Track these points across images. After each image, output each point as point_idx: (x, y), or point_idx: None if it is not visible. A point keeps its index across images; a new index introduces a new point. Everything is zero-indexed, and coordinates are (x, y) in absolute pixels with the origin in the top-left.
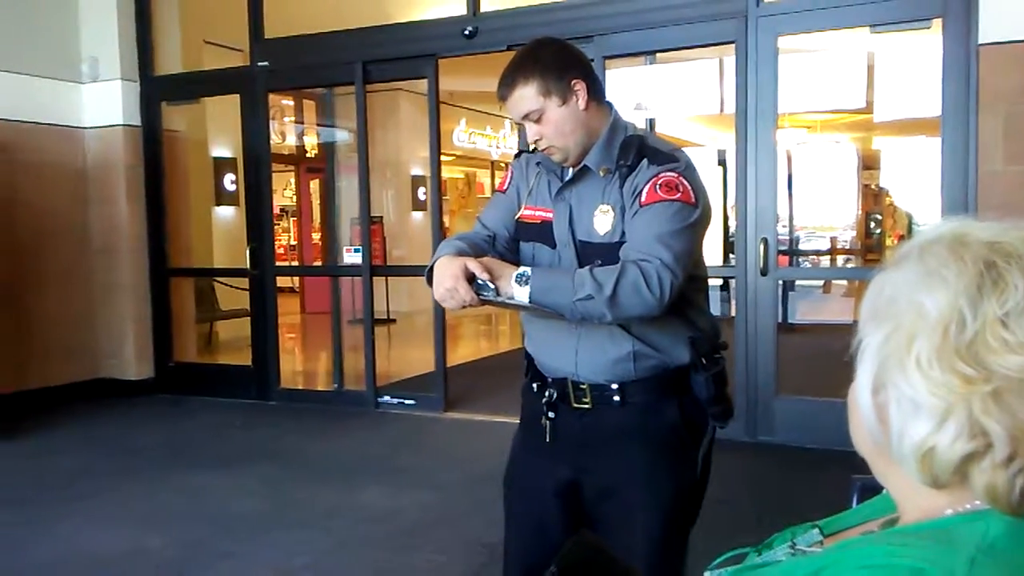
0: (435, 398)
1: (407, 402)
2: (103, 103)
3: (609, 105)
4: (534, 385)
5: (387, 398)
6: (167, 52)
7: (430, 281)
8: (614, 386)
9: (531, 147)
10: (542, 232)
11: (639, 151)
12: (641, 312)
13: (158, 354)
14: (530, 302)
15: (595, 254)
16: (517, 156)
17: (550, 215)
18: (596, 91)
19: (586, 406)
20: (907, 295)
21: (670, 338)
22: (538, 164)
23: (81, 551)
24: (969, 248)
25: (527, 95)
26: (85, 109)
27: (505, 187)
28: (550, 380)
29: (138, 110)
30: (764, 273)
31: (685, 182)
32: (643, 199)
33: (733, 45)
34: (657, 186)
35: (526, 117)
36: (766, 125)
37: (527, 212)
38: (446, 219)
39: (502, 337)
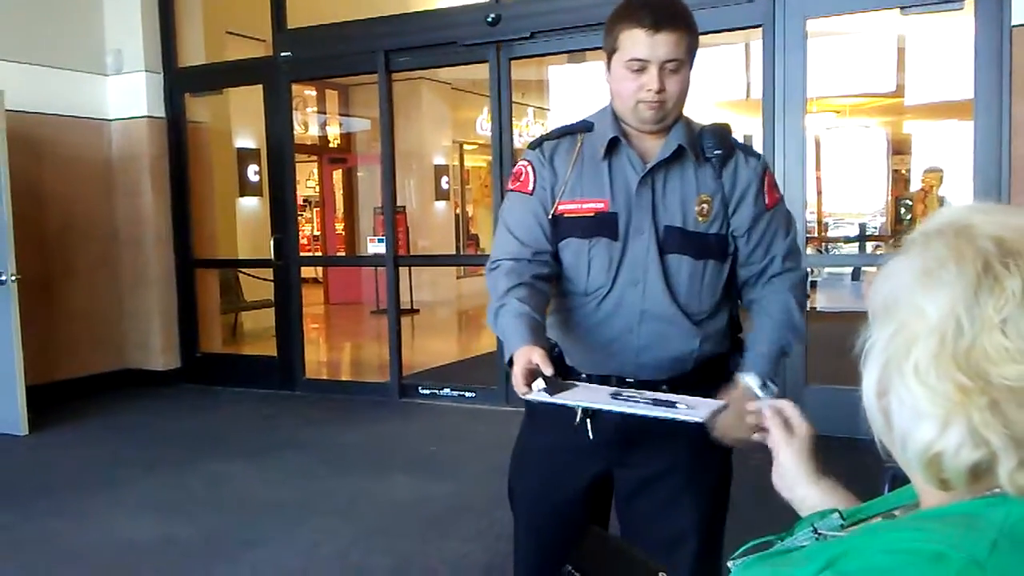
0: (497, 390)
1: (466, 395)
2: (127, 95)
3: None
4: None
5: (447, 391)
6: (190, 43)
7: (510, 363)
8: (665, 382)
9: (643, 99)
10: (600, 225)
11: (723, 139)
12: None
13: (184, 345)
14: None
15: (685, 243)
16: (535, 146)
17: (603, 205)
18: None
19: None
20: (907, 295)
21: (723, 329)
22: (572, 149)
23: (112, 539)
24: (972, 243)
25: (682, 43)
26: (110, 101)
27: (532, 187)
28: (584, 376)
29: (162, 102)
30: None
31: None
32: (767, 201)
33: (760, 29)
34: (769, 187)
35: (667, 62)
36: (794, 110)
37: (570, 206)
38: (469, 209)
39: None
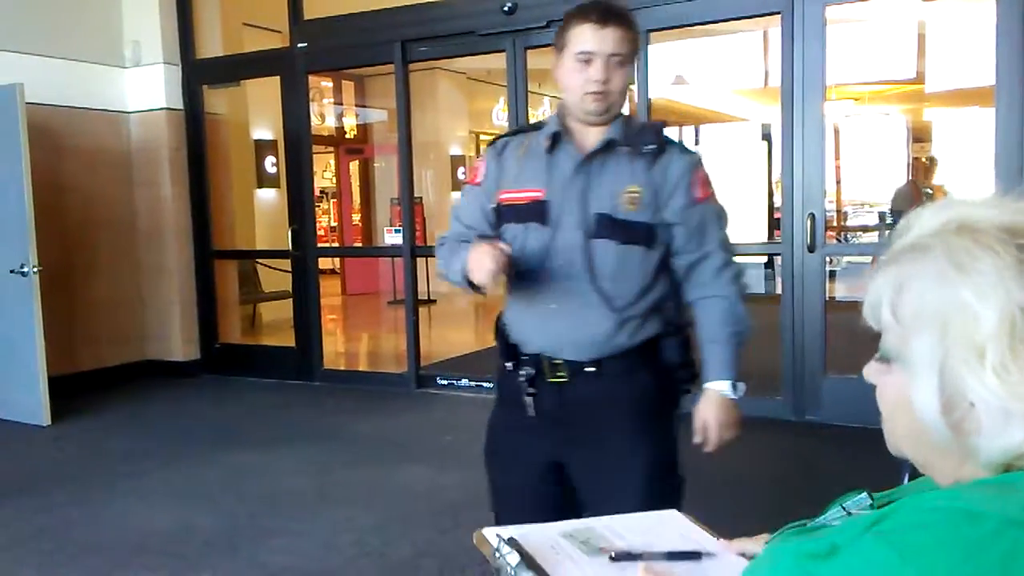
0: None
1: (484, 385)
2: (146, 87)
3: None
4: (508, 364)
5: (464, 381)
6: (207, 35)
7: (469, 284)
8: (591, 362)
9: (589, 90)
10: (532, 211)
11: (658, 135)
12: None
13: (204, 336)
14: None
15: (613, 229)
16: (492, 144)
17: (540, 193)
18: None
19: (563, 379)
20: (941, 293)
21: (649, 316)
22: (521, 145)
23: (133, 529)
24: (987, 234)
25: (626, 40)
26: (128, 93)
27: (479, 179)
28: (524, 357)
29: (180, 94)
30: (811, 249)
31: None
32: (698, 194)
33: (778, 16)
34: (701, 182)
35: (613, 55)
36: (813, 98)
37: (510, 195)
38: None
39: None
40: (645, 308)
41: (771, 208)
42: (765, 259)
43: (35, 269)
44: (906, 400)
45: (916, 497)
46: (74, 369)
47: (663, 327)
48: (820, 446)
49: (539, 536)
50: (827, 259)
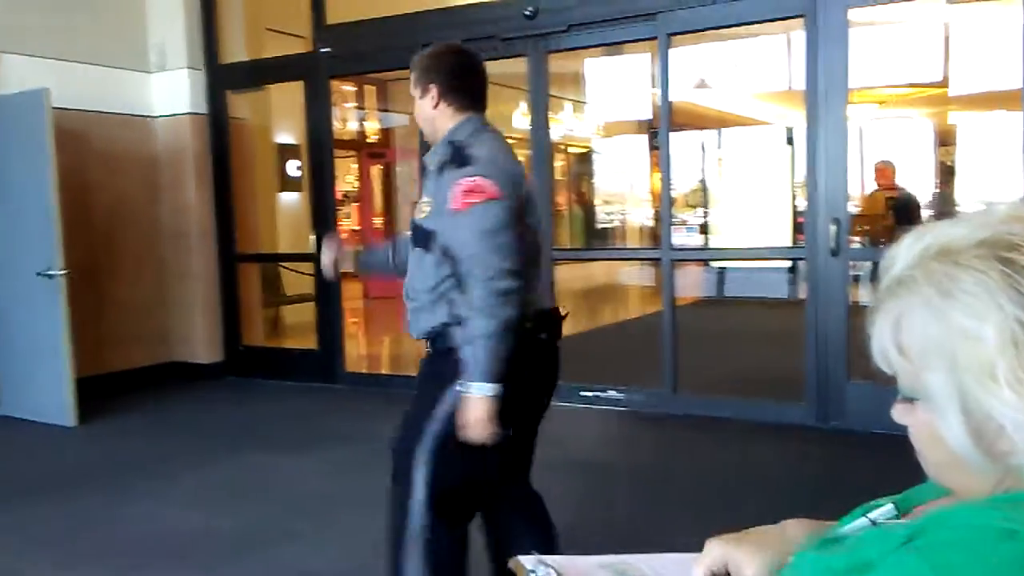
0: None
1: None
2: (171, 92)
3: (470, 114)
4: None
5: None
6: (231, 40)
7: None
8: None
9: None
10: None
11: (448, 154)
12: (503, 304)
13: (227, 338)
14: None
15: (415, 235)
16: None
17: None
18: (452, 97)
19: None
20: (938, 327)
21: (436, 310)
22: None
23: (157, 529)
24: (965, 254)
25: (410, 80)
26: (154, 98)
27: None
28: None
29: (204, 98)
30: (835, 254)
31: (486, 180)
32: (454, 205)
33: (801, 19)
34: (460, 193)
35: (412, 95)
36: (836, 101)
37: None
38: None
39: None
40: (428, 301)
41: (794, 212)
42: (788, 263)
43: (61, 272)
44: (936, 435)
45: (950, 513)
46: (100, 370)
47: (449, 318)
48: (844, 452)
49: (575, 567)
50: (851, 263)
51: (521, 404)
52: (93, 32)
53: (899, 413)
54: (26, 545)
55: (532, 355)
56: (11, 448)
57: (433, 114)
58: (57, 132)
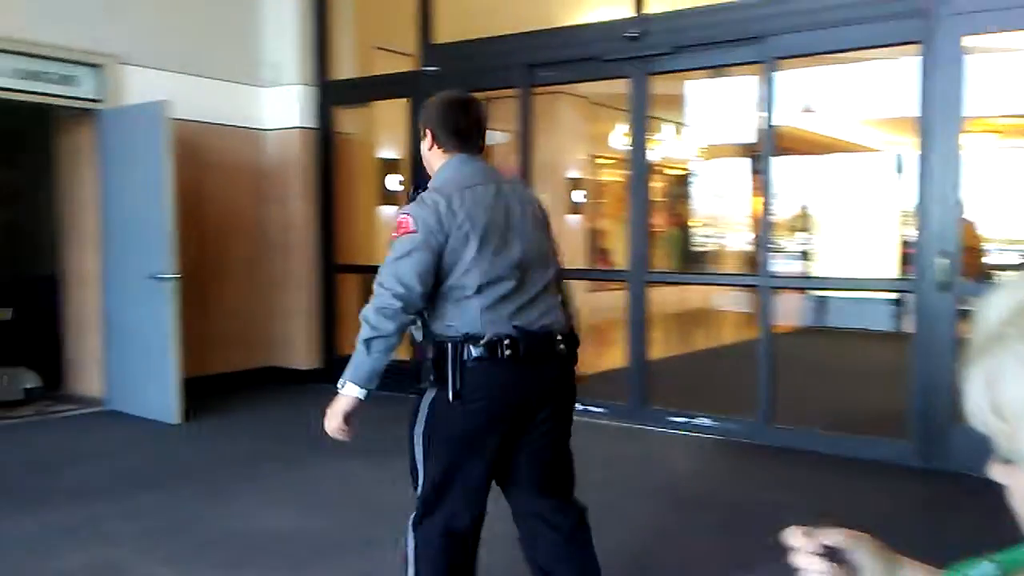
0: (626, 406)
1: (593, 409)
2: (282, 106)
3: (458, 154)
4: None
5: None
6: (341, 57)
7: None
8: None
9: None
10: None
11: (415, 193)
12: (381, 318)
13: (325, 346)
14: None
15: None
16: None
17: None
18: (442, 140)
19: None
20: None
21: (414, 322)
22: None
23: (252, 527)
24: None
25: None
26: (265, 111)
27: None
28: None
29: (313, 113)
30: (945, 288)
31: (409, 217)
32: (392, 234)
33: (913, 45)
34: (397, 225)
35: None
36: (950, 130)
37: None
38: (601, 223)
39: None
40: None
41: (902, 243)
42: (894, 296)
43: (173, 275)
44: None
45: None
46: (203, 372)
47: (413, 333)
48: (946, 495)
49: None
50: (961, 299)
51: (485, 415)
52: (212, 47)
53: (997, 473)
54: (134, 538)
55: (496, 368)
56: (119, 442)
57: (429, 155)
58: (175, 142)
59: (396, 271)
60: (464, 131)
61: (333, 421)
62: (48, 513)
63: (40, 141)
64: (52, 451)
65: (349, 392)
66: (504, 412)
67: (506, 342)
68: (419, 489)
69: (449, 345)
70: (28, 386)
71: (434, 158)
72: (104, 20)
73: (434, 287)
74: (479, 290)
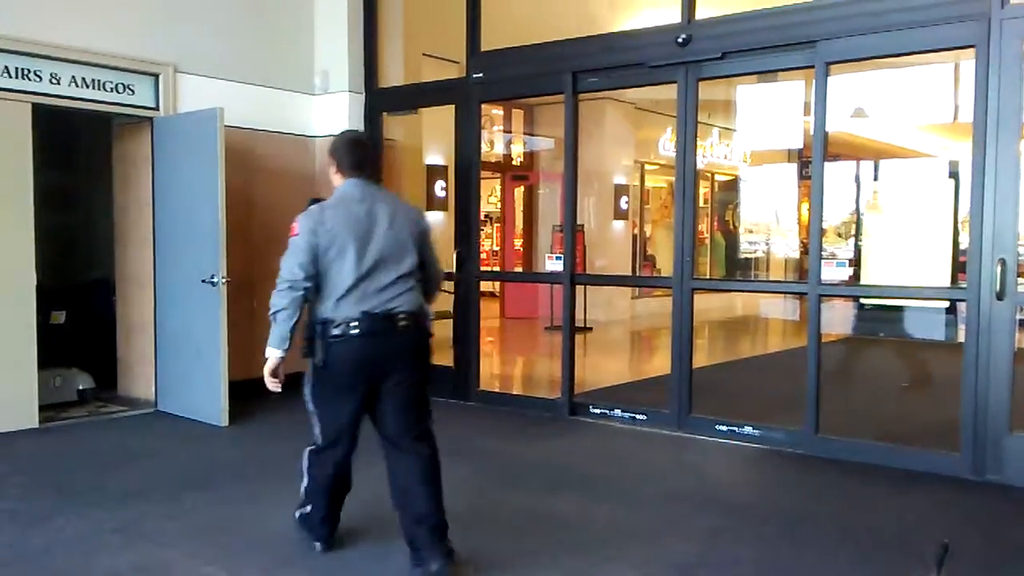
0: (669, 414)
1: (637, 416)
2: (331, 113)
3: (350, 178)
4: None
5: (618, 411)
6: (389, 65)
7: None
8: None
9: None
10: None
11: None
12: (278, 298)
13: None
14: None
15: None
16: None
17: None
18: (342, 167)
19: None
20: None
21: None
22: None
23: (293, 529)
24: None
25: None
26: (315, 118)
27: None
28: None
29: (362, 120)
30: (1000, 297)
31: (296, 224)
32: None
33: (970, 49)
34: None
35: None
36: (1009, 136)
37: None
38: (647, 229)
39: (706, 350)
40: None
41: (956, 250)
42: (947, 304)
43: (224, 279)
44: None
45: None
46: (250, 375)
47: (308, 322)
48: (1000, 508)
49: None
50: (1018, 308)
51: (345, 376)
52: (264, 56)
53: None
54: (181, 538)
55: (347, 342)
56: (168, 443)
57: (332, 178)
58: (227, 148)
59: (285, 263)
60: (358, 163)
61: (267, 379)
62: (98, 512)
63: (96, 147)
64: (103, 451)
65: (271, 355)
66: (357, 372)
67: (353, 323)
68: (314, 428)
69: (318, 327)
70: (81, 387)
71: (335, 180)
72: (161, 31)
73: (316, 280)
74: (339, 284)
